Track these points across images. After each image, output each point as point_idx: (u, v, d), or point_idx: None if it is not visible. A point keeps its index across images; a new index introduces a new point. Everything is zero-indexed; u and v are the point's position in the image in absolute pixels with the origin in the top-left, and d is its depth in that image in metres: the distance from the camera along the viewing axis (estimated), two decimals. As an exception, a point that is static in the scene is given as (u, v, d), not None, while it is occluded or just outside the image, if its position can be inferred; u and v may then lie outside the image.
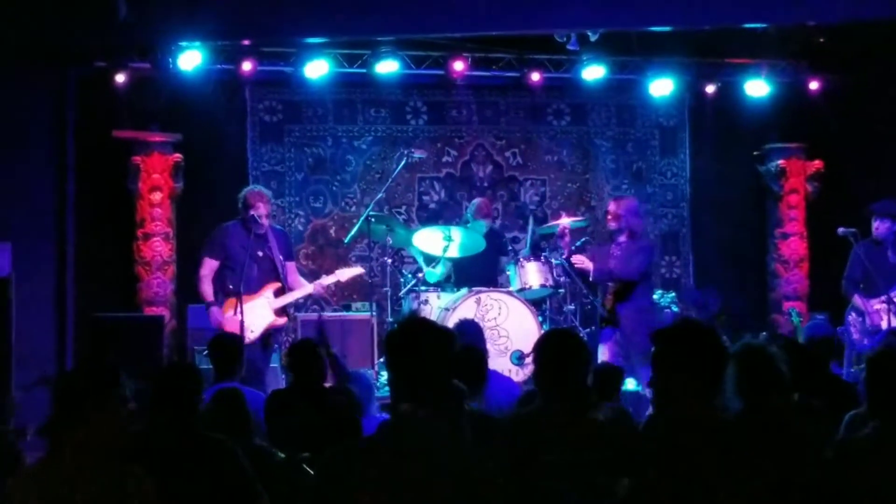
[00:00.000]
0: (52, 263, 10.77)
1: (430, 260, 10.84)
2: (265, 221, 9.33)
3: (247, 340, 9.03)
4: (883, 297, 9.47)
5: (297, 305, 10.92)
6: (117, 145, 11.47)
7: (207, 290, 9.32)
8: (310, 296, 10.19)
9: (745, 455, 3.64)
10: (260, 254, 9.36)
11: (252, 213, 9.28)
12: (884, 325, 9.40)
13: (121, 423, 3.99)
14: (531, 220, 11.56)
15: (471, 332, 7.76)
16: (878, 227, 9.74)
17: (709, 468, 3.56)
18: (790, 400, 4.83)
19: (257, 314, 9.22)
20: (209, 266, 9.34)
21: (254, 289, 9.29)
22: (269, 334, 9.40)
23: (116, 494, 3.82)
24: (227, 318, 9.15)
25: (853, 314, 9.77)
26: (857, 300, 9.72)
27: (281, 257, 9.44)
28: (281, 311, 9.44)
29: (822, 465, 4.40)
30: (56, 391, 4.01)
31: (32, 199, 10.65)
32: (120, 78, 11.12)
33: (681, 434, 3.67)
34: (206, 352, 9.66)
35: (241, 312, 8.93)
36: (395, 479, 3.40)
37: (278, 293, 9.39)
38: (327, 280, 9.80)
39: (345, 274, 9.94)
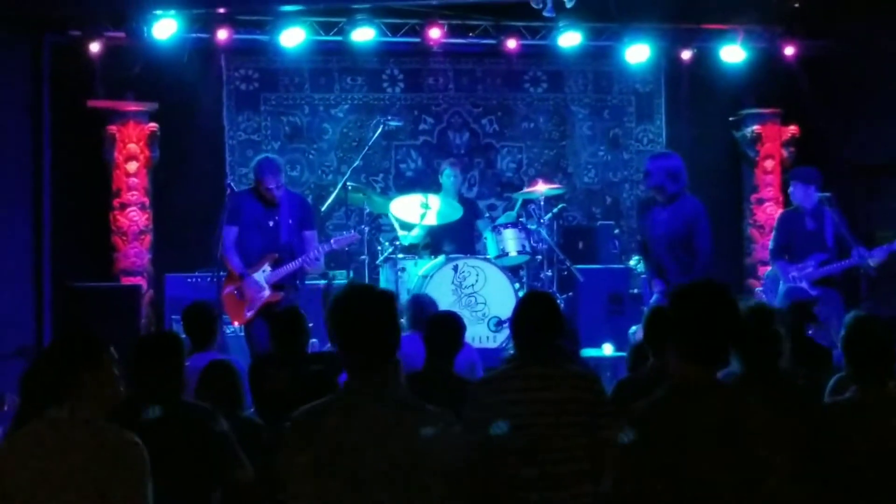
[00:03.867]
0: (29, 234, 10.74)
1: (406, 226, 10.85)
2: (277, 194, 8.98)
3: (245, 319, 8.96)
4: (800, 265, 9.51)
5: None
6: (92, 115, 11.43)
7: (236, 260, 8.95)
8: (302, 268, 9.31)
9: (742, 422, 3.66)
10: (270, 223, 9.02)
11: (263, 185, 8.95)
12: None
13: (114, 389, 3.99)
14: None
15: (429, 306, 7.67)
16: (793, 192, 9.69)
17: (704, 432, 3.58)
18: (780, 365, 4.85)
19: (255, 289, 8.95)
20: (230, 234, 8.96)
21: (253, 261, 8.99)
22: (271, 310, 8.78)
23: (112, 461, 3.82)
24: (226, 294, 8.94)
25: (769, 280, 9.86)
26: (778, 267, 9.72)
27: (291, 224, 9.04)
28: (277, 286, 8.98)
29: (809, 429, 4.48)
30: (47, 359, 3.98)
31: (7, 170, 10.61)
32: (94, 47, 11.06)
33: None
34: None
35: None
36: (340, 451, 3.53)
37: (277, 265, 9.01)
38: (319, 251, 9.20)
39: (338, 241, 9.57)
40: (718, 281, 4.21)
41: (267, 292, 8.95)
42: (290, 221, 9.08)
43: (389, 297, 3.77)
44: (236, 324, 9.37)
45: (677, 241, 8.87)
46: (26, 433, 3.90)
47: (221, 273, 9.02)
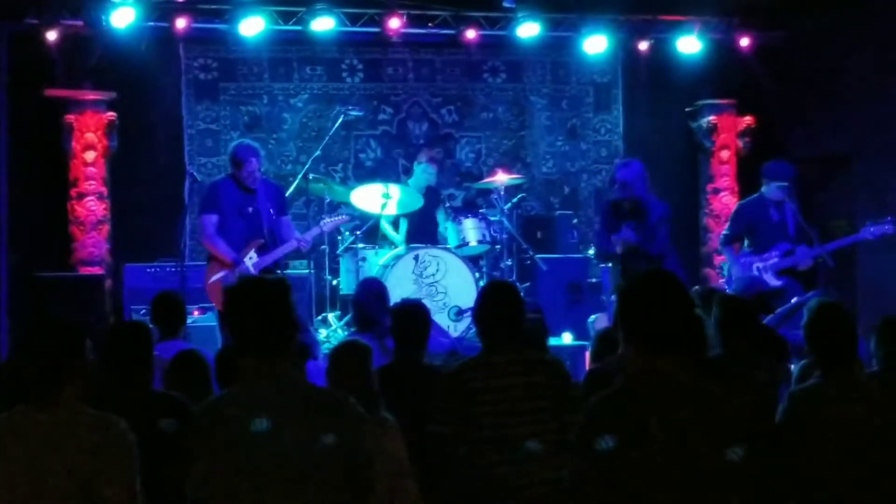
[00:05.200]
0: (-15, 224, 10.69)
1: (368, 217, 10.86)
2: (257, 177, 9.04)
3: None
4: (765, 255, 9.66)
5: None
6: (50, 104, 11.32)
7: (224, 246, 8.95)
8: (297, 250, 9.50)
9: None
10: (250, 209, 9.04)
11: (244, 170, 8.98)
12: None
13: (88, 378, 4.01)
14: None
15: (372, 302, 7.63)
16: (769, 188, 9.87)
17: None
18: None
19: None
20: (211, 222, 8.98)
21: (237, 248, 8.98)
22: None
23: (100, 447, 3.84)
24: (213, 282, 8.94)
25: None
26: (727, 253, 9.92)
27: (272, 211, 9.09)
28: (265, 272, 8.98)
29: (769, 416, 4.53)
30: (35, 349, 3.97)
31: (-36, 159, 10.55)
32: (52, 35, 10.98)
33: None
34: (143, 311, 9.69)
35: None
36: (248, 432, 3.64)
37: (262, 251, 9.04)
38: (310, 234, 9.45)
39: (328, 224, 9.69)
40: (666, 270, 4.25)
41: None
42: (269, 207, 9.09)
43: (280, 288, 3.81)
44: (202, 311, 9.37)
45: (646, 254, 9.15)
46: (8, 422, 3.89)
47: (186, 264, 9.01)
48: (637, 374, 3.61)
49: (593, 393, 4.63)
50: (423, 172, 11.09)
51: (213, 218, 9.02)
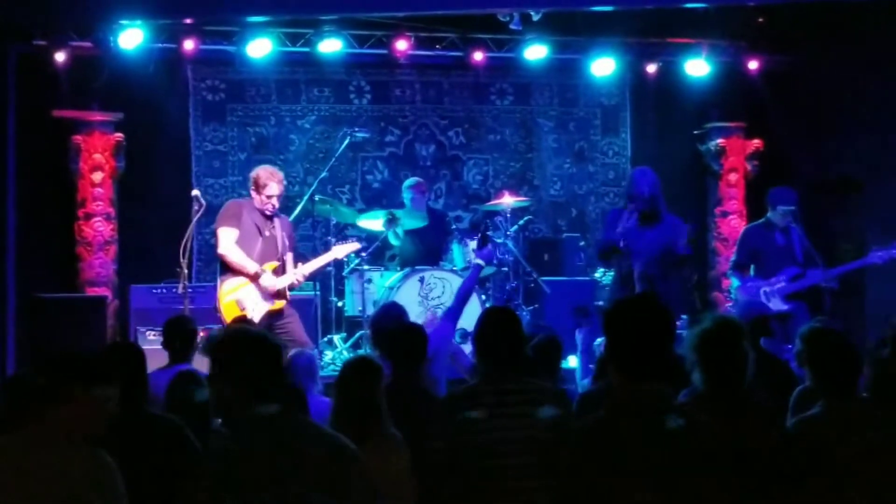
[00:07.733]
0: (-8, 244, 10.68)
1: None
2: (276, 202, 8.88)
3: None
4: (772, 280, 9.60)
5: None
6: (58, 125, 11.36)
7: (244, 258, 8.75)
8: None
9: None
10: (267, 234, 8.91)
11: (264, 193, 8.82)
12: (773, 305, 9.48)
13: (91, 419, 3.96)
14: None
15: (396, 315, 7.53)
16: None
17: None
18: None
19: (257, 298, 8.81)
20: (229, 236, 8.77)
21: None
22: (272, 319, 8.79)
23: (83, 477, 3.80)
24: (226, 304, 8.77)
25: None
26: (736, 278, 9.87)
27: (286, 242, 9.00)
28: (280, 294, 8.89)
29: (777, 446, 4.45)
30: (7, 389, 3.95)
31: (-29, 179, 10.56)
32: (60, 56, 11.01)
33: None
34: (147, 332, 9.69)
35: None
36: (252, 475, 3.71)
37: (277, 274, 8.90)
38: (316, 262, 9.36)
39: (341, 251, 9.60)
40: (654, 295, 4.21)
41: (271, 301, 8.88)
42: (284, 235, 9.03)
43: None
44: None
45: (670, 255, 9.08)
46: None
47: (192, 285, 8.95)
48: (621, 401, 3.59)
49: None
50: (407, 197, 11.10)
51: (235, 233, 8.83)
